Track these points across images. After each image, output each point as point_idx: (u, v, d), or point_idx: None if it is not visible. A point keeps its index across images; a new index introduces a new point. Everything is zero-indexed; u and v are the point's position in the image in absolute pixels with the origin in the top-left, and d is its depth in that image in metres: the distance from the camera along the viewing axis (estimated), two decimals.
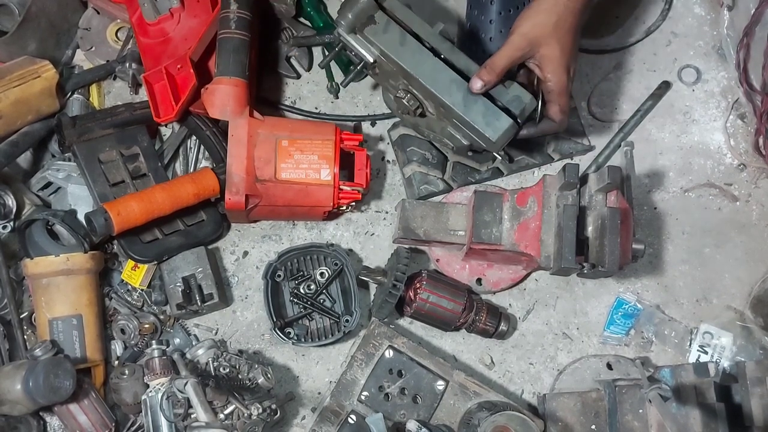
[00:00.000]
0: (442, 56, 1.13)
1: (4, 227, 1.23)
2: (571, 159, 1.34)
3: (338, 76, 1.36)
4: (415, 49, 1.12)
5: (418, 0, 1.34)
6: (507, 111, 1.10)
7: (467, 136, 1.14)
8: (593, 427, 1.16)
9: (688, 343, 1.26)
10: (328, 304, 1.26)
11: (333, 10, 1.37)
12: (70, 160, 1.27)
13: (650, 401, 1.11)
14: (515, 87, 1.11)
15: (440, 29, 1.14)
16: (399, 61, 1.12)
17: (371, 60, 1.14)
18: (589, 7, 1.10)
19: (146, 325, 1.24)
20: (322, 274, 1.26)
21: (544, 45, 1.06)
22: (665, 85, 1.37)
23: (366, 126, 1.36)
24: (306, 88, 1.38)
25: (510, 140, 1.12)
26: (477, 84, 1.08)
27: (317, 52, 1.38)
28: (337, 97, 1.37)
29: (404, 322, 1.28)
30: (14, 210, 1.23)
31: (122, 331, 1.24)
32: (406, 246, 1.24)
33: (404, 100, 1.16)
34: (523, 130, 1.12)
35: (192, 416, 1.07)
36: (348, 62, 1.33)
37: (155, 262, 1.24)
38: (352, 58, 1.19)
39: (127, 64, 1.32)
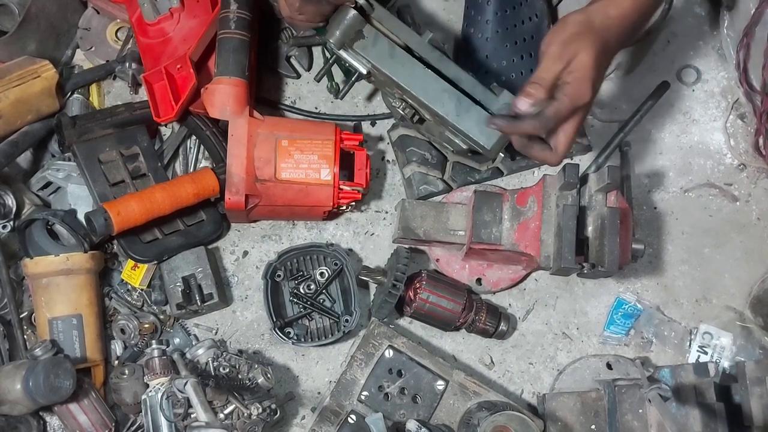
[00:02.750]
0: (433, 66, 1.13)
1: (4, 227, 1.23)
2: (571, 159, 1.34)
3: (338, 75, 1.36)
4: (405, 60, 1.13)
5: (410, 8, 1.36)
6: None
7: (465, 141, 1.14)
8: (593, 427, 1.17)
9: (688, 344, 1.26)
10: (327, 304, 1.26)
11: None
12: (70, 160, 1.27)
13: (650, 401, 1.11)
14: (505, 94, 1.11)
15: (429, 38, 1.14)
16: (389, 73, 1.12)
17: (365, 72, 1.14)
18: (623, 40, 1.02)
19: (146, 325, 1.24)
20: (321, 274, 1.26)
21: (582, 51, 0.96)
22: (665, 85, 1.37)
23: (366, 126, 1.36)
24: (306, 88, 1.38)
25: (505, 146, 1.12)
26: (523, 104, 0.97)
27: (317, 52, 1.38)
28: (337, 97, 1.37)
29: (404, 322, 1.28)
30: (14, 210, 1.23)
31: (122, 330, 1.24)
32: (406, 246, 1.24)
33: (400, 109, 1.17)
34: (499, 120, 1.02)
35: (192, 416, 1.07)
36: (347, 69, 1.34)
37: (155, 262, 1.24)
38: (348, 67, 1.19)
39: (127, 64, 1.32)
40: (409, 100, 1.15)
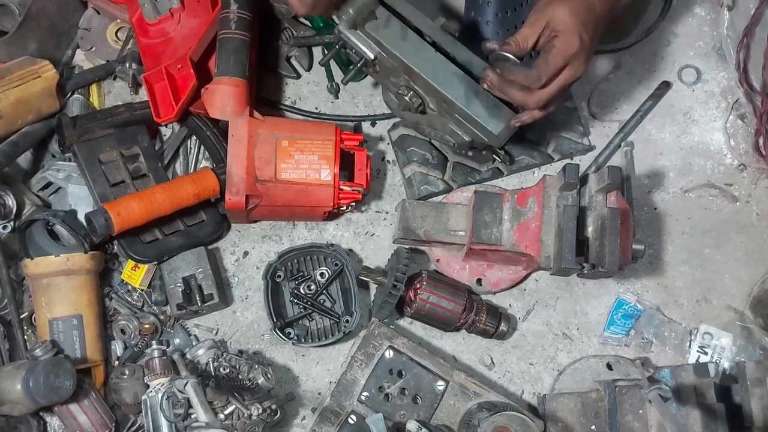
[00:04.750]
0: (444, 50, 1.13)
1: (5, 227, 1.23)
2: (571, 159, 1.34)
3: (338, 75, 1.36)
4: (416, 43, 1.12)
5: None
6: (508, 104, 1.10)
7: (469, 132, 1.14)
8: (593, 427, 1.16)
9: (688, 344, 1.26)
10: (328, 304, 1.26)
11: None
12: (70, 161, 1.27)
13: (650, 402, 1.11)
14: None
15: (441, 23, 1.14)
16: (400, 55, 1.12)
17: (372, 57, 1.14)
18: (614, 4, 1.07)
19: (146, 326, 1.24)
20: (322, 274, 1.26)
21: (557, 11, 1.01)
22: (665, 85, 1.37)
23: (366, 126, 1.36)
24: (306, 88, 1.38)
25: (512, 133, 1.12)
26: (492, 44, 1.03)
27: (317, 52, 1.38)
28: (337, 97, 1.37)
29: (404, 322, 1.28)
30: (14, 210, 1.23)
31: (122, 331, 1.24)
32: (406, 246, 1.24)
33: (406, 97, 1.16)
34: (490, 43, 1.05)
35: (192, 416, 1.07)
36: (347, 61, 1.33)
37: (155, 263, 1.24)
38: (352, 56, 1.18)
39: (127, 64, 1.32)
40: (417, 87, 1.14)
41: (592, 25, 1.03)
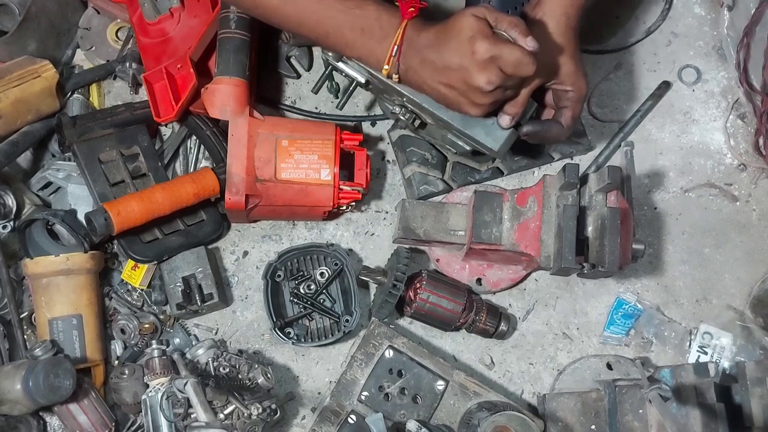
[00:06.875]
0: None
1: (4, 227, 1.23)
2: (571, 159, 1.34)
3: (338, 76, 1.35)
4: None
5: None
6: None
7: (469, 144, 1.14)
8: (593, 427, 1.17)
9: (688, 344, 1.26)
10: (328, 304, 1.26)
11: None
12: (70, 160, 1.27)
13: (650, 401, 1.11)
14: None
15: None
16: (390, 82, 1.11)
17: (363, 81, 1.13)
18: (584, 13, 1.10)
19: (146, 325, 1.24)
20: (322, 274, 1.26)
21: (561, 65, 1.07)
22: (665, 85, 1.37)
23: (366, 126, 1.36)
24: (306, 88, 1.38)
25: (512, 145, 1.12)
26: (505, 120, 1.06)
27: (317, 52, 1.38)
28: (338, 97, 1.37)
29: (404, 322, 1.28)
30: (14, 210, 1.23)
31: (122, 331, 1.24)
32: (406, 246, 1.24)
33: (401, 116, 1.15)
34: (528, 127, 1.10)
35: (192, 416, 1.07)
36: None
37: (155, 262, 1.24)
38: (345, 77, 1.18)
39: (127, 64, 1.32)
40: (411, 106, 1.14)
41: (578, 51, 1.08)
